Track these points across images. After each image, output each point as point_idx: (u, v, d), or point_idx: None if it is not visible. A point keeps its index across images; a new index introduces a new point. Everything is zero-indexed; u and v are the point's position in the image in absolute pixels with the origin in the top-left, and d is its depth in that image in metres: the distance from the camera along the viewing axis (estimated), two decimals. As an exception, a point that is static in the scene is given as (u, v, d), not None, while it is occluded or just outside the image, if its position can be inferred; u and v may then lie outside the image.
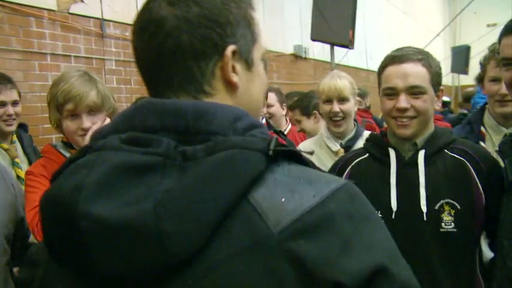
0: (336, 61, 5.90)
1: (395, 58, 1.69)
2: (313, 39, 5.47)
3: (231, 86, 0.80)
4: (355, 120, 2.52)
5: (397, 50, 1.75)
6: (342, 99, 2.37)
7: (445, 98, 9.59)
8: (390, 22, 13.50)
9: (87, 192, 0.63)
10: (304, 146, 2.53)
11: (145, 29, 0.79)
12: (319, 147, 2.46)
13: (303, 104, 3.31)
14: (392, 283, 0.66)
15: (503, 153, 1.71)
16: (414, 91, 1.65)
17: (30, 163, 2.83)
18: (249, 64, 0.82)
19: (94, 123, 1.84)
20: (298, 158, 0.73)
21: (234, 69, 0.79)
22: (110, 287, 0.66)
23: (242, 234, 0.63)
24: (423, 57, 1.69)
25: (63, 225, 0.66)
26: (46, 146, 2.00)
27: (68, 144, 1.95)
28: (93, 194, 0.63)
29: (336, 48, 5.69)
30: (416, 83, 1.65)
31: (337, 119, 2.37)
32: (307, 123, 3.18)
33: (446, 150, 1.72)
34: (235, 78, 0.79)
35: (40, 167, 1.93)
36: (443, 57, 16.32)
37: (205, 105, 0.73)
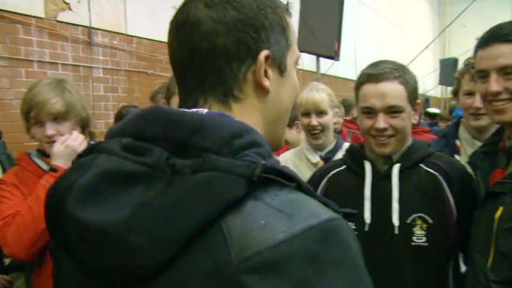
0: (323, 71, 5.94)
1: (371, 76, 1.66)
2: (299, 50, 5.50)
3: (262, 91, 0.81)
4: (335, 131, 2.52)
5: (373, 65, 1.72)
6: (320, 112, 2.36)
7: (435, 110, 9.67)
8: (379, 33, 13.61)
9: (75, 194, 0.66)
10: (283, 158, 2.54)
11: (181, 29, 0.80)
12: (299, 159, 2.47)
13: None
14: None
15: (474, 165, 1.74)
16: (392, 110, 1.65)
17: (4, 170, 2.80)
18: (281, 70, 0.83)
19: (58, 131, 1.83)
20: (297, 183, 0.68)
21: (266, 74, 0.80)
22: (100, 283, 0.68)
23: (206, 257, 0.62)
24: (400, 74, 1.67)
25: (55, 221, 0.69)
26: (20, 154, 1.99)
27: (42, 152, 1.93)
28: (79, 197, 0.65)
29: (323, 59, 5.74)
30: (394, 103, 1.64)
31: (316, 132, 2.36)
32: (289, 134, 3.18)
33: (421, 165, 1.73)
34: (266, 82, 0.80)
35: (13, 175, 1.90)
36: (432, 69, 16.50)
37: (207, 118, 0.71)
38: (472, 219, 1.71)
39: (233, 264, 0.60)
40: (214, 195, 0.63)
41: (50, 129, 1.82)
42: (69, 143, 1.80)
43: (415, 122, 1.76)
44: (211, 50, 0.77)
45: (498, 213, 1.50)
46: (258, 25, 0.78)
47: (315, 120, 2.35)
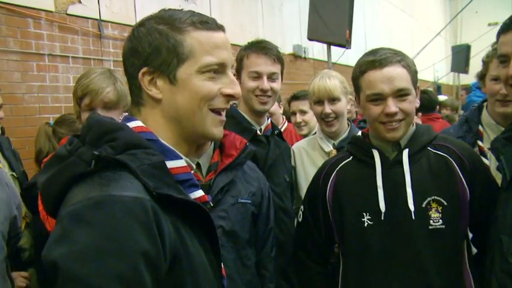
0: (334, 60, 5.89)
1: (375, 62, 1.66)
2: (310, 39, 5.47)
3: (152, 98, 1.09)
4: (349, 119, 2.49)
5: (372, 53, 1.71)
6: (333, 100, 2.32)
7: (441, 97, 9.55)
8: (390, 21, 13.48)
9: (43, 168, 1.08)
10: (297, 147, 2.52)
11: None
12: (312, 148, 2.44)
13: None
14: (62, 278, 0.84)
15: (496, 150, 1.72)
16: (401, 94, 1.65)
17: (10, 167, 2.81)
18: (171, 80, 1.08)
19: None
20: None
21: (155, 85, 1.08)
22: None
23: (62, 207, 0.96)
24: (401, 58, 1.68)
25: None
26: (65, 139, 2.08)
27: None
28: (42, 170, 1.07)
29: (334, 47, 5.70)
30: (402, 86, 1.64)
31: (329, 119, 2.34)
32: (312, 117, 3.07)
33: (429, 148, 1.73)
34: (151, 91, 1.09)
35: None
36: (444, 56, 16.32)
37: (95, 122, 1.06)
38: (486, 200, 1.71)
39: (65, 208, 0.93)
40: (67, 172, 0.99)
41: None
42: None
43: (417, 105, 1.74)
44: (126, 72, 1.13)
45: None
46: (141, 50, 1.08)
47: (328, 108, 2.32)
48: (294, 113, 3.34)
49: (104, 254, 0.84)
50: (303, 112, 3.27)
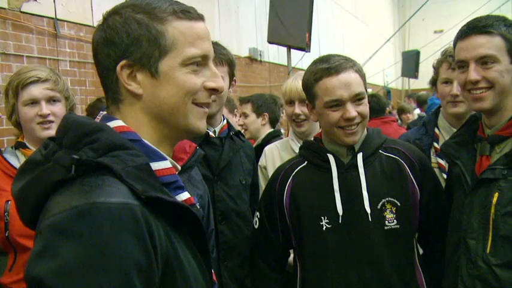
0: (293, 65, 5.97)
1: (331, 69, 1.68)
2: (270, 42, 5.52)
3: (131, 93, 1.02)
4: None
5: (323, 60, 1.74)
6: (304, 101, 2.29)
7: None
8: (342, 26, 13.78)
9: (16, 175, 1.00)
10: (269, 148, 2.54)
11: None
12: (284, 149, 2.47)
13: (258, 101, 3.42)
14: None
15: (449, 155, 1.80)
16: (358, 98, 1.70)
17: None
18: (152, 73, 1.00)
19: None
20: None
21: (135, 79, 1.01)
22: None
23: (39, 221, 0.90)
24: (353, 63, 1.73)
25: None
26: None
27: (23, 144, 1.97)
28: (16, 177, 1.00)
29: (291, 51, 5.77)
30: (359, 90, 1.69)
31: (299, 120, 2.37)
32: (254, 121, 3.38)
33: (380, 151, 1.80)
34: (131, 86, 1.01)
35: None
36: (392, 61, 16.85)
37: (72, 122, 0.98)
38: (433, 201, 1.79)
39: (46, 219, 0.85)
40: (44, 179, 0.92)
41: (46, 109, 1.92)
42: None
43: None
44: (98, 65, 1.04)
45: (495, 199, 1.56)
46: (118, 41, 0.99)
47: (298, 109, 2.35)
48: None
49: (93, 268, 0.79)
50: (245, 115, 3.48)
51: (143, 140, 1.02)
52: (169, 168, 1.05)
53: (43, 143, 1.02)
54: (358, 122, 1.71)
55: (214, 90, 1.07)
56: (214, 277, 1.14)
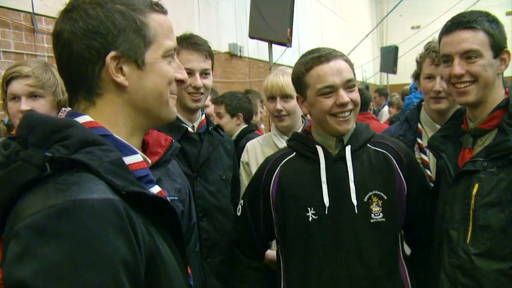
0: (275, 60, 5.97)
1: (321, 57, 1.72)
2: (251, 37, 5.50)
3: (118, 85, 1.00)
4: (303, 117, 2.52)
5: (313, 52, 1.77)
6: (285, 97, 2.35)
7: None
8: (320, 21, 13.83)
9: None
10: (252, 144, 2.54)
11: (52, 39, 1.01)
12: (266, 144, 2.48)
13: (232, 102, 3.44)
14: None
15: (436, 148, 1.84)
16: (349, 84, 1.73)
17: None
18: (139, 64, 1.01)
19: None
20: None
21: (121, 71, 0.99)
22: None
23: (10, 223, 0.85)
24: (341, 53, 1.77)
25: None
26: None
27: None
28: None
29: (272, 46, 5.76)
30: (350, 77, 1.73)
31: (280, 116, 2.37)
32: (228, 122, 3.41)
33: (369, 145, 1.82)
34: (119, 78, 0.99)
35: None
36: (370, 56, 16.99)
37: (37, 119, 0.94)
38: (421, 195, 1.82)
39: (20, 221, 0.81)
40: (13, 180, 0.86)
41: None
42: None
43: None
44: (70, 57, 0.98)
45: (475, 190, 1.60)
46: (104, 31, 0.97)
47: (279, 105, 2.36)
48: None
49: (79, 267, 0.77)
50: (219, 115, 3.52)
51: (113, 134, 1.01)
52: (140, 162, 1.05)
53: (1, 143, 0.96)
54: (351, 108, 1.73)
55: (181, 82, 1.12)
56: (189, 270, 1.15)
